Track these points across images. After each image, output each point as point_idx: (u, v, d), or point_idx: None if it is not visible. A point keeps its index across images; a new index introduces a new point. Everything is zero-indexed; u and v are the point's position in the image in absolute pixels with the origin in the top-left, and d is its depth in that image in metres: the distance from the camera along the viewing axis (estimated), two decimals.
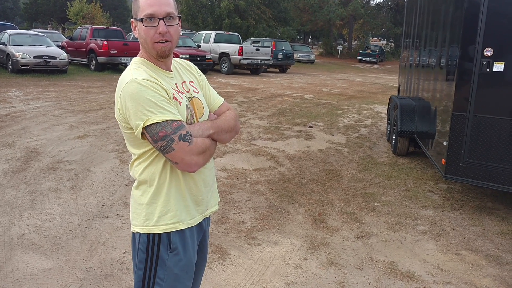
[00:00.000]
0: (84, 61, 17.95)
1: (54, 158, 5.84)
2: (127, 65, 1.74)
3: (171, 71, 1.77)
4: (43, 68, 15.07)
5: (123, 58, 16.90)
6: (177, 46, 20.09)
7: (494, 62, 4.08)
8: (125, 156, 6.05)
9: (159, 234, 1.72)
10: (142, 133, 1.60)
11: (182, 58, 16.03)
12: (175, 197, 1.73)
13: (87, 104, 10.16)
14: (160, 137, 1.57)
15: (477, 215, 4.60)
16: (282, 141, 7.53)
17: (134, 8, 1.70)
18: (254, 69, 21.17)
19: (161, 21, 1.64)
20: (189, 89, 1.80)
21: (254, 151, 6.72)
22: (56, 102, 10.23)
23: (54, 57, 15.26)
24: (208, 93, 1.92)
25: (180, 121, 1.61)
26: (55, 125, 7.75)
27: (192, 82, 1.85)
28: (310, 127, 8.87)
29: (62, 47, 18.39)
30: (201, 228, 1.88)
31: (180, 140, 1.58)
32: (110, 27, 22.22)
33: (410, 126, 6.48)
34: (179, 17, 1.73)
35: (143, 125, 1.57)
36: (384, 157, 6.88)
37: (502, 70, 4.06)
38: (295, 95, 14.04)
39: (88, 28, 18.42)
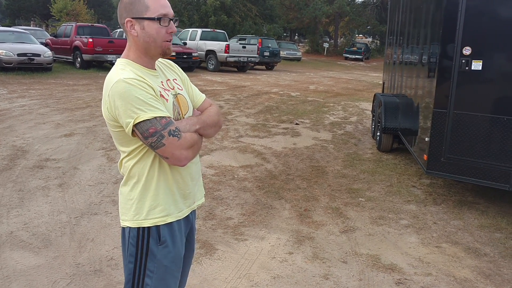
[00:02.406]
0: (69, 59, 17.80)
1: (41, 156, 5.84)
2: (113, 63, 1.81)
3: (156, 69, 1.84)
4: (27, 66, 14.92)
5: (108, 56, 16.82)
6: None
7: (473, 61, 4.21)
8: (113, 154, 6.07)
9: (149, 227, 1.78)
10: (133, 131, 1.66)
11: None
12: (164, 191, 1.79)
13: (73, 102, 10.11)
14: (150, 134, 1.63)
15: (458, 209, 4.74)
16: (269, 138, 7.61)
17: (138, 7, 1.70)
18: (241, 67, 21.22)
19: (171, 22, 1.74)
20: (174, 87, 1.86)
21: (241, 148, 6.79)
22: (42, 100, 10.16)
23: (39, 55, 15.11)
24: (190, 90, 1.98)
25: (169, 117, 1.68)
26: (41, 124, 7.72)
27: (175, 79, 1.92)
28: (297, 124, 8.97)
29: (46, 45, 18.19)
30: (188, 221, 1.95)
31: (170, 136, 1.65)
32: (95, 24, 22.06)
33: (393, 123, 6.61)
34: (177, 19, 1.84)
35: (133, 122, 1.62)
36: (369, 154, 7.00)
37: (480, 68, 4.19)
38: (281, 92, 14.13)
39: (72, 25, 18.27)
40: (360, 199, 4.95)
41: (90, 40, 16.50)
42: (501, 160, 4.18)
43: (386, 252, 3.72)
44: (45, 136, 6.86)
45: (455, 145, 4.39)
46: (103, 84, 1.72)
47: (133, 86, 1.64)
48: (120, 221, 1.86)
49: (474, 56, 4.16)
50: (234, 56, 19.95)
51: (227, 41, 21.43)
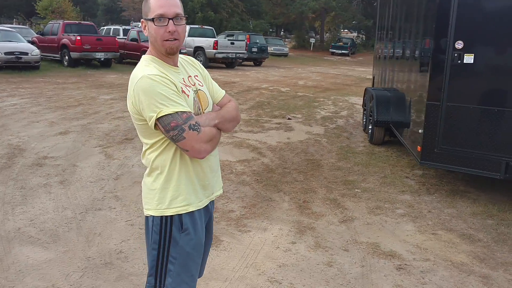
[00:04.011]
0: (57, 57, 17.65)
1: (38, 154, 5.86)
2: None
3: (178, 66, 1.93)
4: (15, 65, 14.78)
5: (97, 54, 16.74)
6: None
7: (465, 54, 4.36)
8: (110, 151, 6.12)
9: (171, 216, 1.88)
10: (155, 124, 1.75)
11: None
12: (185, 182, 1.89)
13: (64, 100, 10.09)
14: (172, 127, 1.73)
15: (450, 198, 4.90)
16: (263, 133, 7.71)
17: (145, 9, 1.84)
18: (229, 63, 21.28)
19: (171, 21, 1.79)
20: (195, 83, 1.96)
21: (237, 144, 6.89)
22: (32, 98, 10.11)
23: (26, 53, 14.99)
24: (211, 86, 2.08)
25: (190, 112, 1.77)
26: (35, 122, 7.71)
27: (196, 76, 2.01)
28: (289, 119, 9.09)
29: (33, 43, 18.00)
30: (208, 210, 2.05)
31: (190, 130, 1.74)
32: (82, 22, 21.88)
33: (385, 116, 6.76)
34: (186, 17, 1.89)
35: (156, 116, 1.72)
36: (361, 146, 7.15)
37: (472, 61, 4.34)
38: (271, 88, 14.24)
39: (59, 23, 18.12)
40: (356, 190, 5.09)
41: (78, 38, 16.38)
42: (492, 150, 4.34)
43: (385, 240, 3.86)
44: (40, 135, 6.87)
45: (448, 136, 4.55)
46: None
47: (156, 82, 1.73)
48: (144, 210, 1.95)
49: (466, 49, 4.31)
50: (223, 53, 20.01)
51: (215, 37, 21.45)
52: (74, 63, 16.94)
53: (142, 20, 1.88)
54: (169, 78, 1.79)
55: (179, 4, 1.85)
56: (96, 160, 5.72)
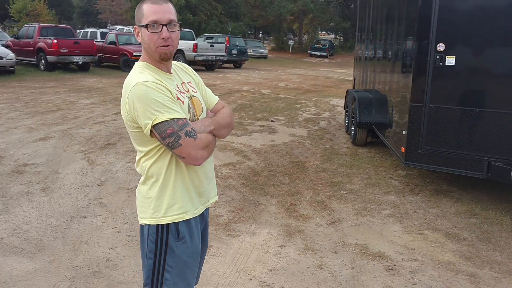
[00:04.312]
0: (33, 61, 17.28)
1: (18, 161, 5.73)
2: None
3: (172, 73, 1.90)
4: None
5: (74, 57, 16.45)
6: (130, 44, 19.36)
7: (446, 56, 4.44)
8: (93, 157, 6.02)
9: (168, 224, 1.85)
10: (151, 132, 1.73)
11: (136, 55, 15.51)
12: (181, 189, 1.87)
13: (42, 105, 9.89)
14: (168, 134, 1.71)
15: (434, 197, 4.98)
16: (247, 136, 7.71)
17: (138, 15, 1.82)
18: (209, 65, 21.20)
19: (164, 27, 1.77)
20: (189, 89, 1.94)
21: (221, 147, 6.86)
22: (9, 104, 9.88)
23: (1, 57, 14.65)
24: (204, 92, 2.06)
25: (185, 119, 1.76)
26: (13, 128, 7.53)
27: (190, 82, 1.99)
28: (272, 121, 9.10)
29: (7, 47, 17.59)
30: (203, 218, 2.04)
31: (186, 136, 1.72)
32: (58, 25, 21.50)
33: (368, 118, 6.84)
34: (180, 24, 1.88)
35: (152, 123, 1.70)
36: (345, 148, 7.21)
37: (453, 63, 4.42)
38: (253, 90, 14.25)
39: (35, 26, 17.73)
40: (342, 191, 5.12)
41: (55, 41, 16.08)
42: (475, 150, 4.43)
43: (373, 241, 3.90)
44: (19, 141, 6.71)
45: (432, 137, 4.62)
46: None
47: (151, 89, 1.71)
48: (139, 219, 1.92)
49: (447, 52, 4.39)
50: (203, 55, 19.93)
51: (194, 40, 21.36)
52: (51, 67, 16.62)
53: (135, 26, 1.86)
54: (164, 84, 1.77)
55: (173, 10, 1.83)
56: (79, 166, 5.62)
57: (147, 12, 1.78)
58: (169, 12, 1.80)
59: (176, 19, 1.84)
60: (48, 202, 4.44)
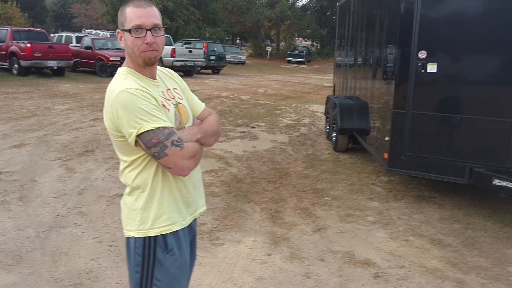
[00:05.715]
0: (5, 65, 16.82)
1: None
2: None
3: (156, 79, 1.84)
4: None
5: (49, 62, 16.10)
6: (106, 49, 19.10)
7: (428, 64, 4.49)
8: (71, 164, 5.85)
9: (155, 236, 1.78)
10: (136, 141, 1.66)
11: (112, 60, 15.35)
12: (168, 200, 1.80)
13: (16, 111, 9.60)
14: (153, 144, 1.64)
15: (417, 203, 5.02)
16: (228, 143, 7.64)
17: (121, 19, 1.75)
18: (187, 71, 21.07)
19: (149, 32, 1.71)
20: (174, 96, 1.87)
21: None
22: None
23: None
24: (190, 99, 1.99)
25: (171, 127, 1.69)
26: None
27: (175, 89, 1.92)
28: (253, 127, 9.06)
29: None
30: (191, 228, 1.97)
31: (172, 146, 1.66)
32: (32, 28, 21.02)
33: (349, 124, 6.87)
34: (165, 28, 1.81)
35: (137, 132, 1.63)
36: (326, 154, 7.22)
37: (435, 71, 4.48)
38: (232, 96, 14.20)
39: (7, 29, 17.27)
40: (326, 198, 5.11)
41: (28, 45, 15.70)
42: (457, 156, 4.48)
43: (359, 248, 3.88)
44: None
45: (414, 143, 4.66)
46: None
47: (136, 97, 1.64)
48: (124, 231, 1.84)
49: (429, 59, 4.44)
50: (181, 61, 19.80)
51: (172, 45, 21.20)
52: (25, 72, 16.21)
53: (118, 30, 1.78)
54: (149, 91, 1.70)
55: (158, 14, 1.76)
56: (56, 174, 5.45)
57: (131, 16, 1.71)
58: (154, 16, 1.73)
59: (161, 23, 1.77)
60: (25, 212, 4.27)
